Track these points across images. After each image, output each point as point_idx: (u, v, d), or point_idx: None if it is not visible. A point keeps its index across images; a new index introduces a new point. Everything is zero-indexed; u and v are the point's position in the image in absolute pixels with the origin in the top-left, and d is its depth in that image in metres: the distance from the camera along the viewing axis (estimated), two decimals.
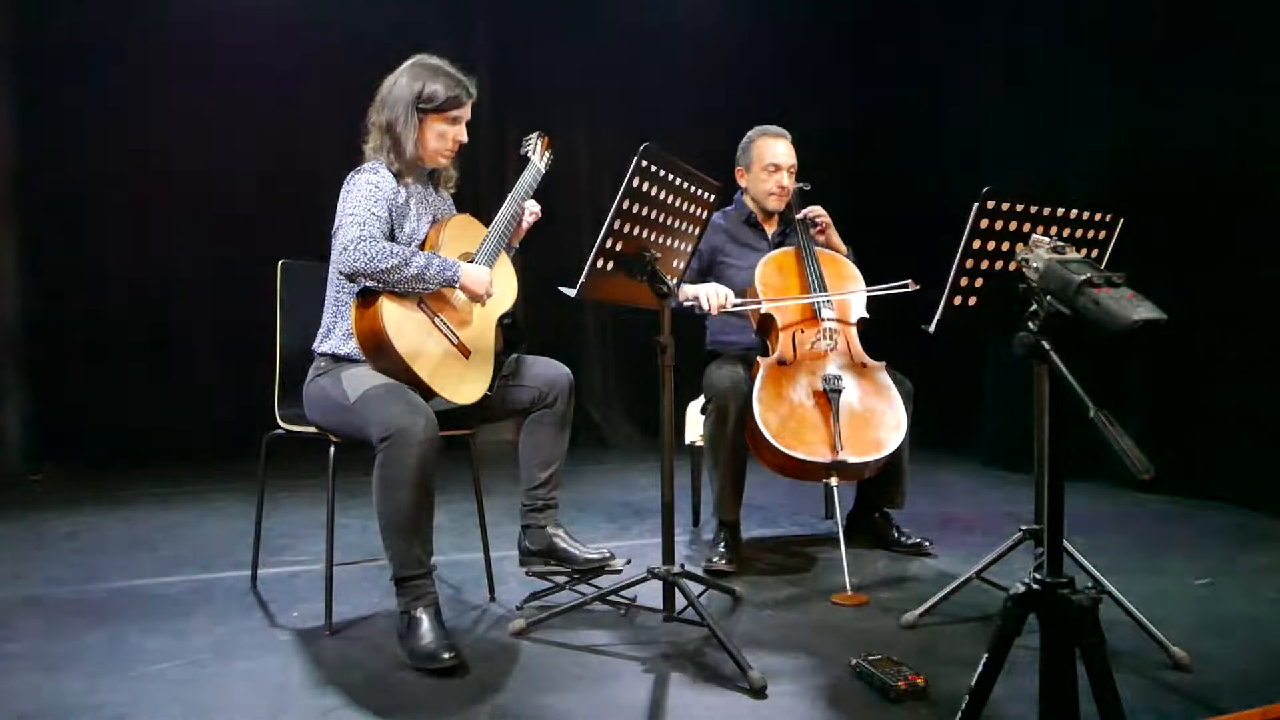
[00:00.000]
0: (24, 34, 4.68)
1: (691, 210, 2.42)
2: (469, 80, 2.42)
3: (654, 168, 2.22)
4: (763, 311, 2.97)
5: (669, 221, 2.36)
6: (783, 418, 2.78)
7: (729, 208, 3.29)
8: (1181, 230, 3.89)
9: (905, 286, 2.89)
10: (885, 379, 2.95)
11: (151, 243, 4.93)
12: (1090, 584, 2.21)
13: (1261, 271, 3.63)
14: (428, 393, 2.26)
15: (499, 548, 2.80)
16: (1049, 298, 1.36)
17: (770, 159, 3.15)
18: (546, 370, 2.55)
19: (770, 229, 3.26)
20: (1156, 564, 2.94)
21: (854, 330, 3.05)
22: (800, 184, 3.22)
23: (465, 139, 2.45)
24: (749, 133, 3.25)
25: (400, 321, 2.23)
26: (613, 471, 4.80)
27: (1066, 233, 2.30)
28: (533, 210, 2.56)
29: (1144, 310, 1.25)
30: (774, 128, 3.22)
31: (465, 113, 2.42)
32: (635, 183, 2.19)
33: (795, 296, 3.00)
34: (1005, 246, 2.22)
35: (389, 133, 2.36)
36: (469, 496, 2.79)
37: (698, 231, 2.50)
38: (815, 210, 3.18)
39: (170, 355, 4.94)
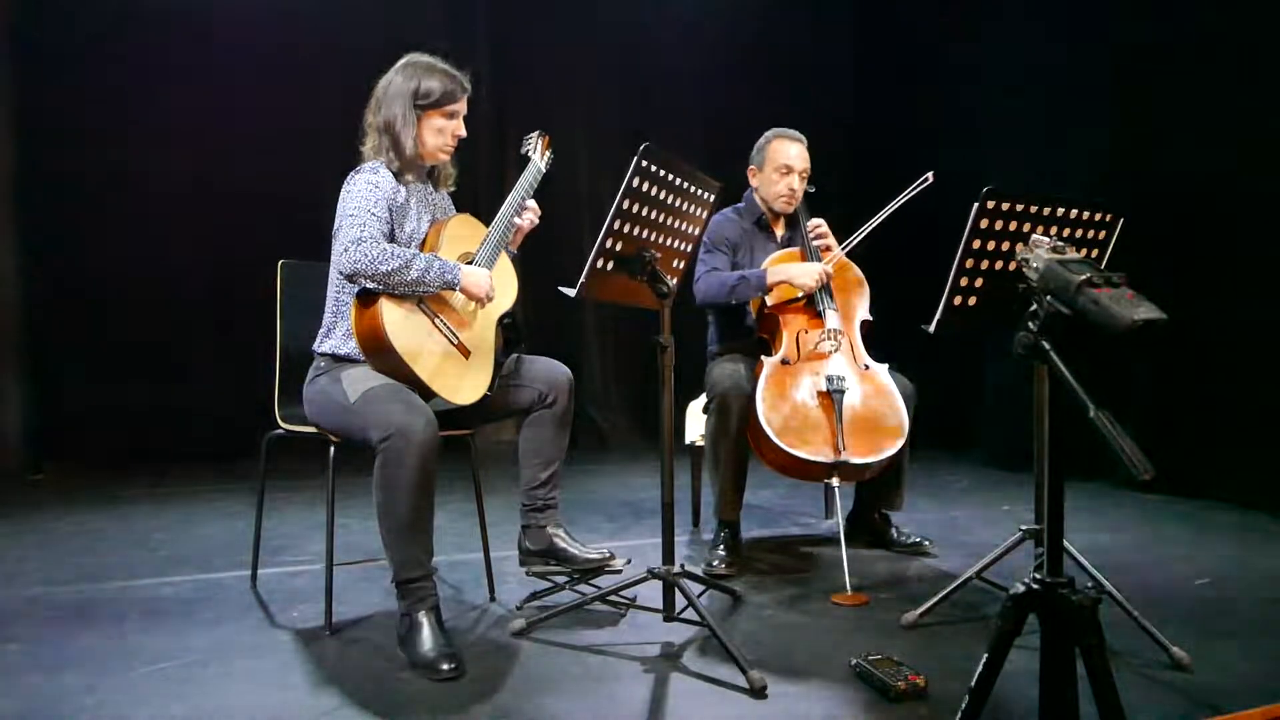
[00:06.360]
0: (21, 33, 4.67)
1: (691, 210, 2.42)
2: (463, 75, 2.43)
3: (654, 168, 2.22)
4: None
5: (669, 221, 2.36)
6: (786, 417, 2.78)
7: (739, 204, 3.28)
8: (1181, 230, 3.90)
9: (925, 182, 2.89)
10: (888, 380, 2.95)
11: (151, 242, 4.92)
12: (1090, 584, 2.22)
13: (1261, 271, 3.63)
14: (427, 393, 2.26)
15: (499, 548, 2.80)
16: (1049, 298, 1.36)
17: (784, 160, 3.13)
18: (546, 370, 2.55)
19: (779, 231, 3.26)
20: (1156, 564, 2.94)
21: (857, 332, 3.05)
22: (807, 188, 3.21)
23: (464, 133, 2.46)
24: (766, 133, 3.22)
25: (400, 322, 2.23)
26: (613, 471, 4.80)
27: (1066, 233, 2.30)
28: (531, 207, 2.55)
29: (1144, 310, 1.25)
30: (791, 130, 3.19)
31: (462, 107, 2.43)
32: (635, 183, 2.19)
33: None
34: (1005, 246, 2.22)
35: (387, 132, 2.36)
36: (469, 496, 2.79)
37: (697, 231, 2.50)
38: (817, 224, 3.17)
39: (170, 355, 4.93)
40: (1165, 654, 2.11)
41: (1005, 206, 2.19)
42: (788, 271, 2.99)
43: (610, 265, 2.26)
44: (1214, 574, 2.81)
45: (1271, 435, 3.58)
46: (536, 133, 2.62)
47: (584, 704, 1.95)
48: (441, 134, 2.41)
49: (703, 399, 3.11)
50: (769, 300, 3.02)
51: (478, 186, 5.27)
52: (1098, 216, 2.34)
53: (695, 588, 2.37)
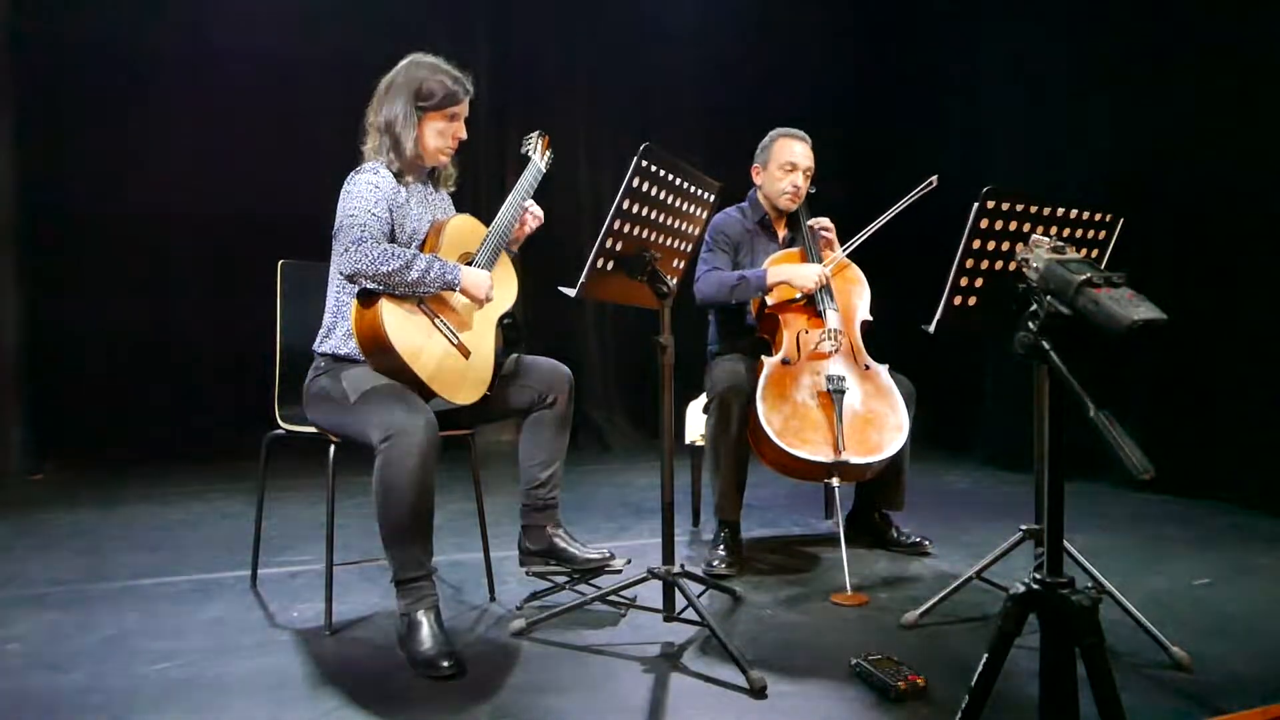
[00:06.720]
0: (21, 37, 4.67)
1: (691, 210, 2.42)
2: (465, 77, 2.42)
3: (654, 168, 2.22)
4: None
5: (669, 221, 2.36)
6: (786, 417, 2.78)
7: (743, 203, 3.29)
8: (1181, 230, 3.90)
9: (929, 185, 2.90)
10: (888, 380, 2.95)
11: (152, 242, 4.93)
12: (1090, 584, 2.22)
13: (1262, 272, 3.63)
14: (427, 393, 2.26)
15: (499, 548, 2.80)
16: (1049, 298, 1.36)
17: (787, 158, 3.15)
18: (546, 370, 2.55)
19: (781, 231, 3.26)
20: (1156, 564, 2.94)
21: (857, 332, 3.05)
22: (809, 189, 3.21)
23: (464, 135, 2.45)
24: (771, 132, 3.24)
25: (400, 322, 2.23)
26: (613, 471, 4.80)
27: (1066, 233, 2.30)
28: (535, 214, 2.56)
29: (1144, 310, 1.25)
30: (796, 130, 3.21)
31: (463, 109, 2.43)
32: (635, 183, 2.19)
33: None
34: (1005, 246, 2.22)
35: (388, 132, 2.36)
36: (469, 496, 2.79)
37: (697, 231, 2.50)
38: (822, 221, 3.18)
39: (170, 355, 4.94)
40: (1165, 654, 2.11)
41: (1005, 206, 2.19)
42: (787, 272, 3.00)
43: (610, 265, 2.26)
44: (1214, 574, 2.81)
45: (1271, 435, 3.58)
46: (536, 133, 2.62)
47: (584, 704, 1.95)
48: (442, 136, 2.41)
49: (703, 399, 3.11)
50: (769, 300, 3.02)
51: (478, 187, 5.27)
52: (1098, 216, 2.34)
53: (695, 588, 2.37)
